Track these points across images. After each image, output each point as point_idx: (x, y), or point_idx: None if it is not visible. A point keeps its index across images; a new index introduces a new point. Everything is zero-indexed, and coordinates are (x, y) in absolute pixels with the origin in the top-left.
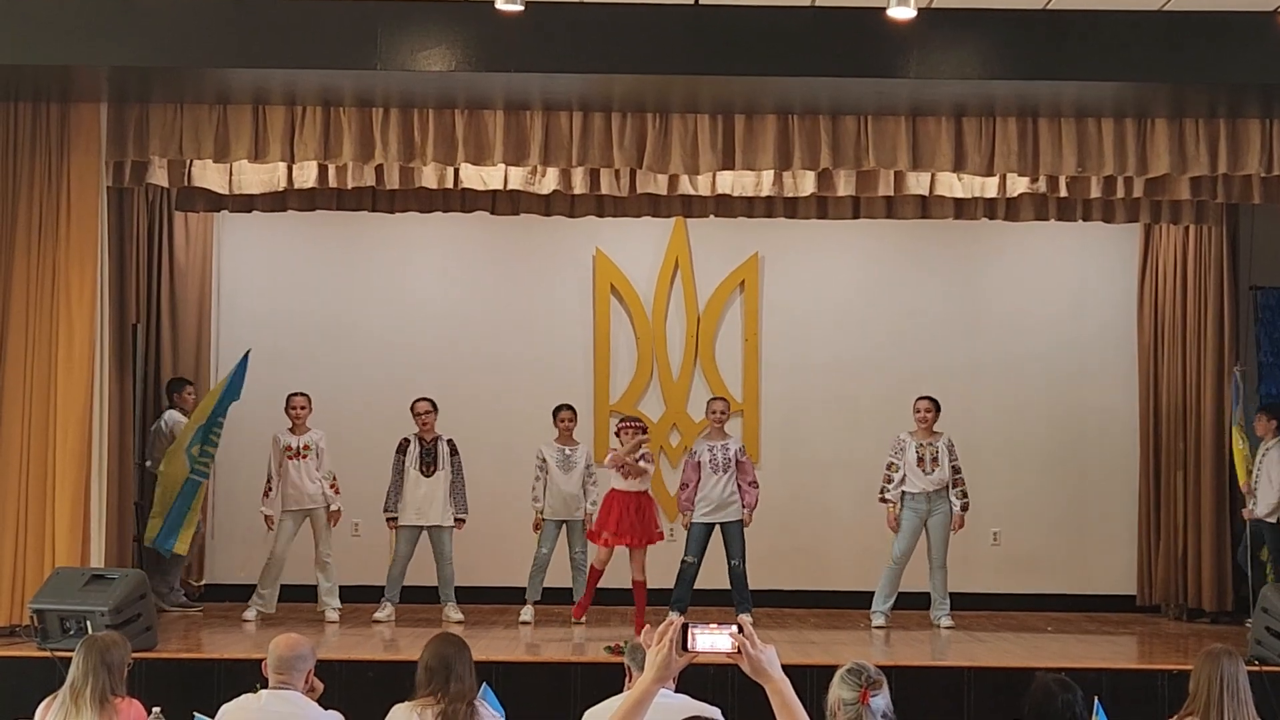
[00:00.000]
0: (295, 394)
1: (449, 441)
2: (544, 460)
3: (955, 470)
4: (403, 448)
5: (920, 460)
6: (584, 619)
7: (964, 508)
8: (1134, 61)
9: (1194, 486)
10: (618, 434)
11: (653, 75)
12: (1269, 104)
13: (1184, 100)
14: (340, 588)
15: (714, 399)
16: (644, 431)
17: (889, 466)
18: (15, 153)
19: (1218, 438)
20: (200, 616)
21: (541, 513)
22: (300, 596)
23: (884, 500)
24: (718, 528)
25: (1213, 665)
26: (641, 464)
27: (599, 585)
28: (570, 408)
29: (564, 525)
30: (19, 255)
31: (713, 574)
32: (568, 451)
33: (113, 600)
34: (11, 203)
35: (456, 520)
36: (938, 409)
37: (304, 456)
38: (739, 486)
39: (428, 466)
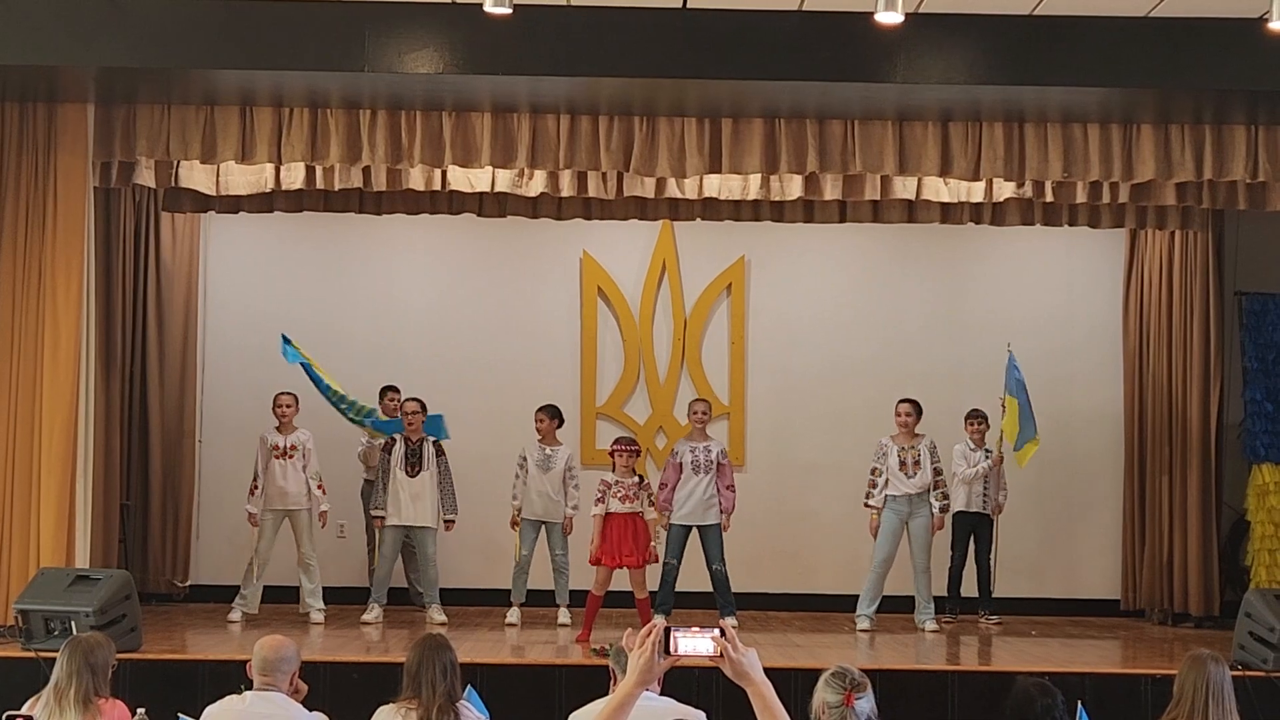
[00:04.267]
0: (282, 393)
1: (435, 443)
2: (524, 460)
3: (936, 473)
4: (389, 447)
5: (902, 464)
6: (590, 639)
7: (943, 509)
8: (1120, 67)
9: (1179, 491)
10: (612, 454)
11: (640, 78)
12: (1254, 110)
13: (1170, 106)
14: (325, 589)
15: (695, 400)
16: (639, 454)
17: (873, 472)
18: (2, 153)
19: (1203, 443)
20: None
21: (519, 511)
22: (285, 597)
23: (868, 506)
24: (695, 530)
25: (1198, 670)
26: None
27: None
28: (545, 409)
29: (543, 526)
30: (5, 255)
31: (697, 577)
32: (548, 451)
33: (98, 601)
34: None
35: (446, 521)
36: (919, 412)
37: (290, 456)
38: (717, 489)
39: (412, 467)
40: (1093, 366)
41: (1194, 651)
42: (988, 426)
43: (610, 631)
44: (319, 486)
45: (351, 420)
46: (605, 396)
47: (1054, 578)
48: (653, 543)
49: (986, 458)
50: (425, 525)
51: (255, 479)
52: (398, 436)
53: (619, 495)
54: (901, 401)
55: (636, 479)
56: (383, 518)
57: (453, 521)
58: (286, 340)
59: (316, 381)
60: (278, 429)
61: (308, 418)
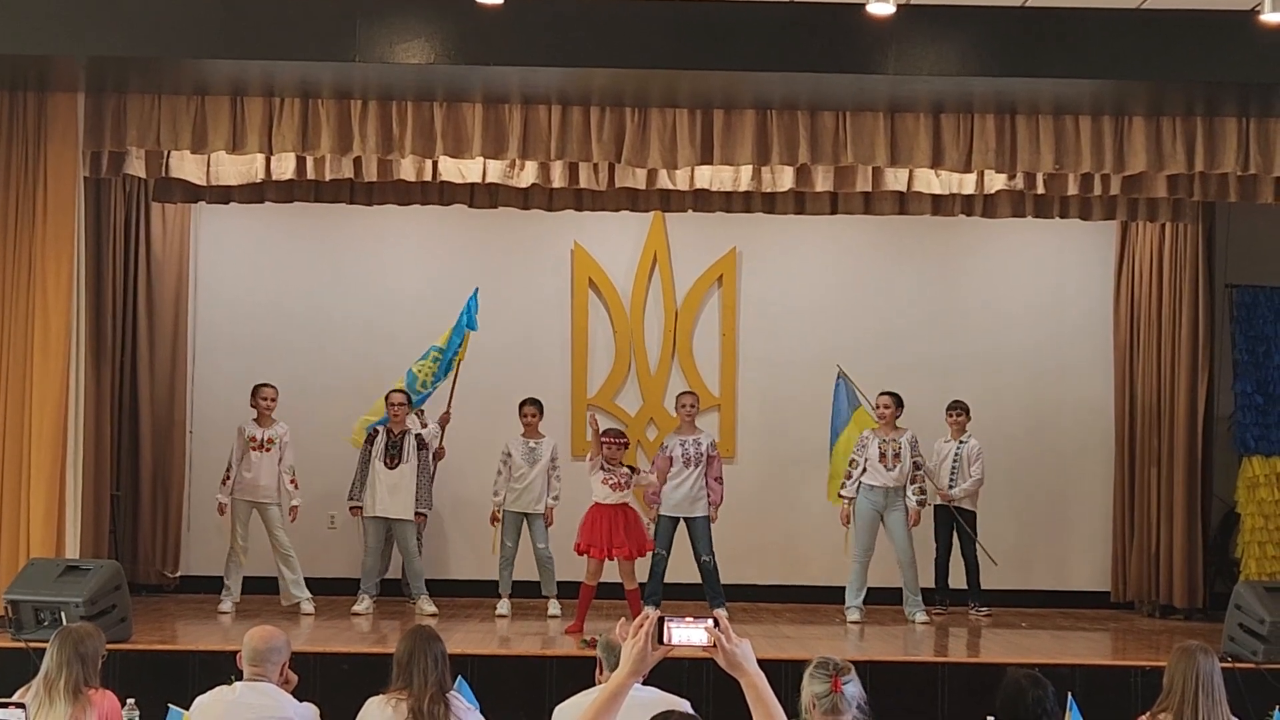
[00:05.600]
0: (263, 385)
1: (417, 436)
2: (508, 454)
3: (916, 466)
4: (371, 438)
5: (882, 456)
6: (582, 630)
7: (920, 504)
8: (1112, 59)
9: (1168, 483)
10: (602, 445)
11: (632, 69)
12: (1246, 102)
13: (1161, 98)
14: (315, 580)
15: (683, 393)
16: (627, 446)
17: (850, 463)
18: None
19: (1191, 435)
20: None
21: (501, 507)
22: (275, 588)
23: (841, 496)
24: (683, 522)
25: (1188, 662)
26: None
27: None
28: (532, 402)
29: (525, 519)
30: None
31: (686, 568)
32: (532, 445)
33: (88, 591)
34: None
35: (417, 514)
36: (899, 405)
37: (267, 449)
38: (706, 482)
39: (392, 459)
40: (1083, 358)
41: (1183, 643)
42: (968, 418)
43: (601, 623)
44: (292, 481)
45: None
46: (596, 388)
47: (1043, 570)
48: (647, 526)
49: (956, 451)
50: (404, 518)
51: (229, 469)
52: (380, 428)
53: (611, 483)
54: (881, 394)
55: (627, 470)
56: (359, 508)
57: (424, 515)
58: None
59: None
60: (256, 421)
61: (298, 409)
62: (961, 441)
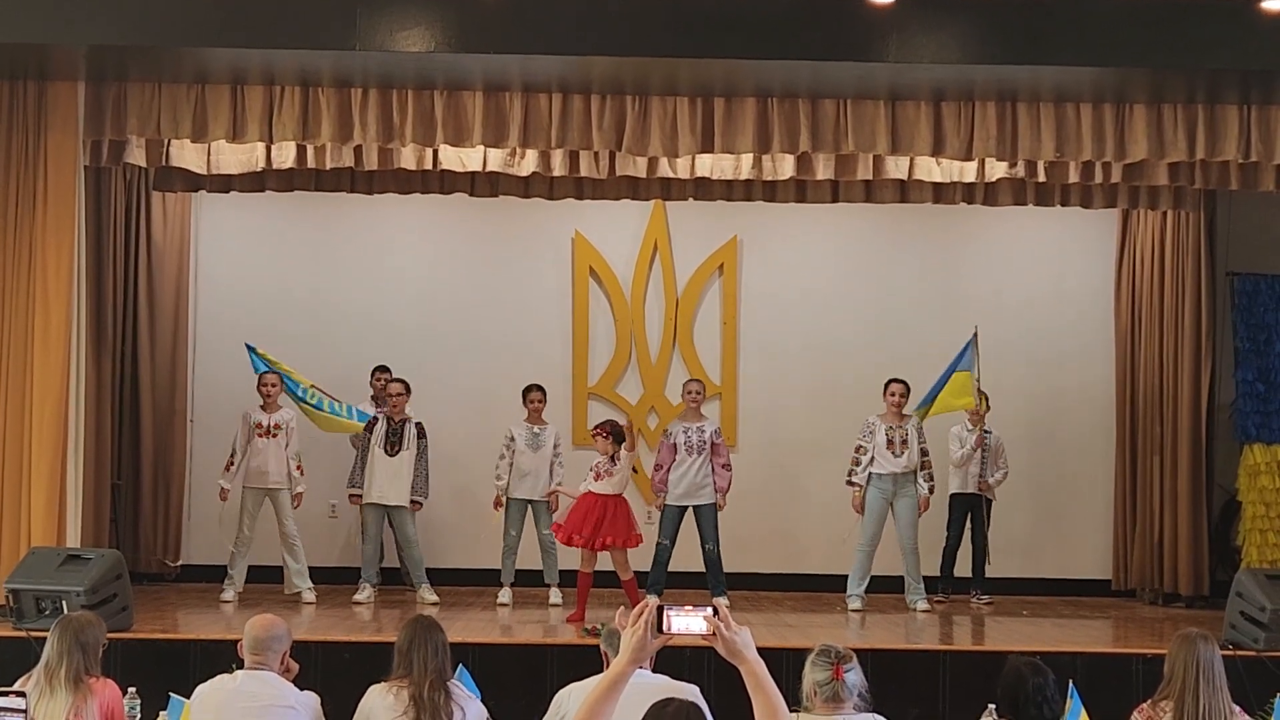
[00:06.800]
0: (267, 372)
1: (418, 424)
2: (512, 439)
3: (924, 453)
4: (370, 426)
5: (890, 443)
6: (584, 619)
7: (931, 490)
8: (1113, 46)
9: (1170, 471)
10: (594, 437)
11: (632, 57)
12: (1247, 90)
13: (1163, 85)
14: (316, 569)
15: (689, 380)
16: (619, 441)
17: (857, 450)
18: None
19: (1194, 423)
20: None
21: (505, 491)
22: (277, 578)
23: (850, 483)
24: (690, 510)
25: (1189, 649)
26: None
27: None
28: (539, 388)
29: (529, 505)
30: None
31: (690, 557)
32: (536, 430)
33: (89, 580)
34: None
35: (413, 502)
36: (909, 392)
37: (273, 435)
38: (713, 469)
39: (392, 446)
40: (1084, 346)
41: (1183, 630)
42: (988, 408)
43: (602, 612)
44: (298, 467)
45: (332, 416)
46: (597, 377)
47: (1046, 558)
48: (637, 529)
49: (986, 437)
50: (402, 505)
51: (232, 455)
52: (380, 415)
53: (594, 475)
54: (894, 381)
55: (604, 459)
56: (358, 496)
57: (420, 504)
58: (252, 350)
59: (291, 388)
60: (262, 407)
61: (288, 400)
62: (987, 431)
